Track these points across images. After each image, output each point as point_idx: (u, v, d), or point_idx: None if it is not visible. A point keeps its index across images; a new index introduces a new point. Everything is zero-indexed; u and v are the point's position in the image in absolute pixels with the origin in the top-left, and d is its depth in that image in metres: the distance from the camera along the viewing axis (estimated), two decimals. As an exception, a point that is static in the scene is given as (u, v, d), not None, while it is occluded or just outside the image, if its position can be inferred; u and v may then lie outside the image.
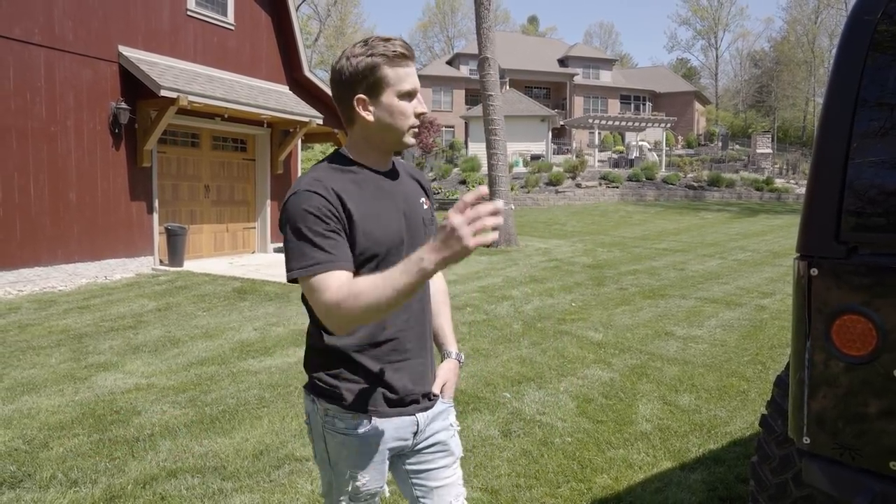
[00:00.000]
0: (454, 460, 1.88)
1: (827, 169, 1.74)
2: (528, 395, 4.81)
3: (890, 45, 1.68)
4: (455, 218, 1.30)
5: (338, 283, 1.49)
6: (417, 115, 1.70)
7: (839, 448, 1.71)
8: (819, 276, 1.72)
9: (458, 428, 1.94)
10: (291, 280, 1.57)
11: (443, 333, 1.98)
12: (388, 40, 1.66)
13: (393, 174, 1.79)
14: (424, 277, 1.37)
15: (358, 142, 1.73)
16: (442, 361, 1.94)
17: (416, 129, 1.72)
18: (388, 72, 1.63)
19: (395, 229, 1.69)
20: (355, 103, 1.66)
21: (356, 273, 1.59)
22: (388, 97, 1.65)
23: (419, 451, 1.83)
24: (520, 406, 4.60)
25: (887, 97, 1.68)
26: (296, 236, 1.55)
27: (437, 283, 2.02)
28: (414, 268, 1.36)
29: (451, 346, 1.97)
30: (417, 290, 1.41)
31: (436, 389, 1.84)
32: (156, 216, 11.24)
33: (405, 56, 1.65)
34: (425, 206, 1.84)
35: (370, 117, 1.66)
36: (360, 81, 1.64)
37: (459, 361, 1.96)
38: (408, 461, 1.84)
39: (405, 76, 1.66)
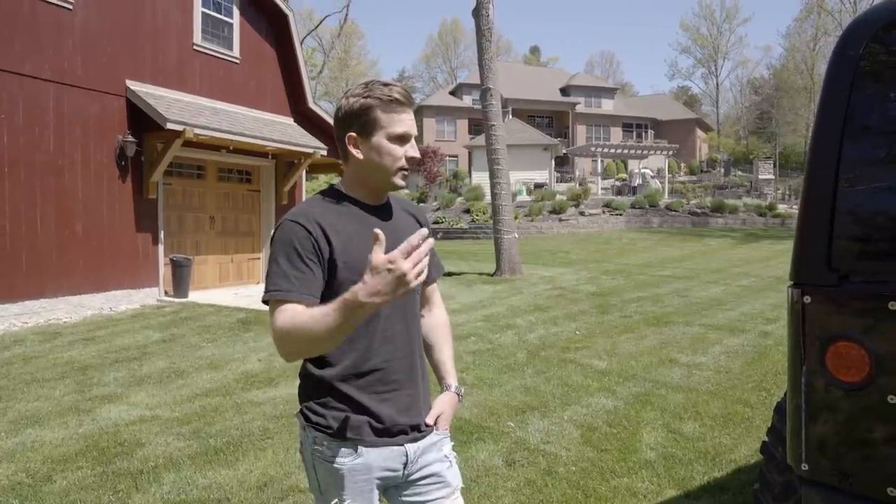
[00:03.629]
0: (451, 491, 1.87)
1: (817, 198, 1.78)
2: (532, 424, 4.80)
3: (873, 78, 1.73)
4: (404, 264, 1.37)
5: (290, 314, 1.57)
6: (408, 160, 1.76)
7: (837, 474, 1.72)
8: (812, 303, 1.75)
9: (455, 458, 1.93)
10: (264, 302, 1.66)
11: (444, 368, 2.01)
12: (387, 85, 1.74)
13: (385, 209, 1.84)
14: (360, 316, 1.44)
15: (351, 178, 1.82)
16: (441, 394, 1.96)
17: (406, 172, 1.77)
18: (381, 115, 1.72)
19: None
20: (347, 140, 1.75)
21: None
22: (379, 138, 1.73)
23: (413, 482, 1.83)
24: (524, 435, 4.59)
25: (873, 127, 1.73)
26: (272, 265, 1.68)
27: (438, 317, 2.06)
28: (349, 306, 1.42)
29: (451, 379, 1.99)
30: (353, 326, 1.48)
31: (429, 420, 1.85)
32: (161, 247, 11.31)
33: (400, 102, 1.74)
34: None
35: (360, 155, 1.75)
36: (353, 120, 1.74)
37: (458, 395, 1.97)
38: (403, 493, 1.84)
39: (398, 120, 1.73)
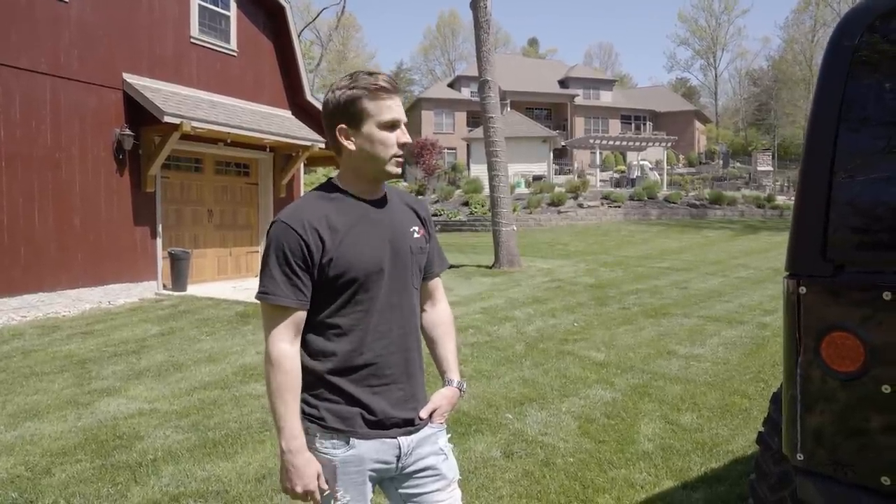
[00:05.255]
0: (447, 483, 1.88)
1: (812, 189, 1.78)
2: (530, 416, 4.82)
3: (868, 68, 1.73)
4: (306, 481, 1.68)
5: (289, 360, 1.69)
6: (401, 145, 1.77)
7: (832, 464, 1.73)
8: (807, 294, 1.75)
9: (451, 451, 1.94)
10: (257, 299, 1.75)
11: (446, 363, 2.01)
12: (371, 74, 1.76)
13: (382, 202, 1.84)
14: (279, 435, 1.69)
15: (346, 171, 1.83)
16: (441, 388, 1.96)
17: (400, 159, 1.78)
18: (369, 104, 1.73)
19: (373, 256, 1.75)
20: (338, 133, 1.76)
21: (337, 298, 1.73)
22: (369, 127, 1.74)
23: (409, 475, 1.84)
24: (522, 427, 4.60)
25: (869, 117, 1.73)
26: (266, 264, 1.73)
27: (441, 312, 2.05)
28: (282, 433, 1.68)
29: (453, 374, 2.00)
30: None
31: (423, 414, 1.85)
32: (159, 241, 11.31)
33: (386, 89, 1.74)
34: (416, 235, 1.88)
35: (352, 146, 1.76)
36: (342, 112, 1.75)
37: (460, 390, 1.98)
38: (401, 486, 1.85)
39: (386, 108, 1.74)
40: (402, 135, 1.77)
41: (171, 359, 6.73)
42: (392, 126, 1.75)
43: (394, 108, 1.75)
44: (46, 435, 4.58)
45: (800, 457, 1.78)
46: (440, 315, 2.05)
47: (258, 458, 4.10)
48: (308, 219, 1.71)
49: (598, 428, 4.56)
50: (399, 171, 1.81)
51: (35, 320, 9.02)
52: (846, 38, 1.74)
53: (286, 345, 1.70)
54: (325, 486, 1.72)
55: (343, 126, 1.76)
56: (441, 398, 1.92)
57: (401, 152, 1.78)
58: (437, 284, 2.05)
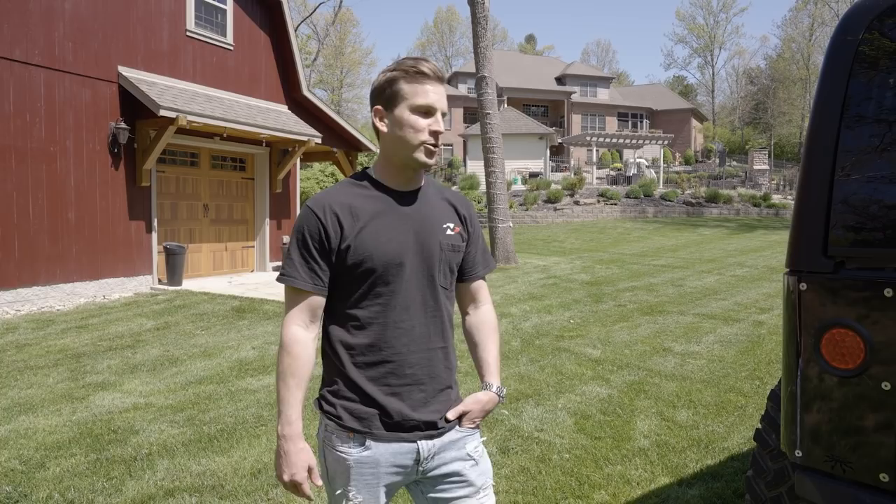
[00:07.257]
0: (475, 490, 1.80)
1: (814, 186, 1.77)
2: (526, 412, 4.81)
3: (871, 65, 1.72)
4: (293, 470, 1.66)
5: (301, 345, 1.69)
6: (432, 133, 1.70)
7: (831, 461, 1.72)
8: (808, 290, 1.75)
9: (483, 455, 1.85)
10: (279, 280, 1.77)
11: (486, 366, 1.94)
12: (415, 59, 1.72)
13: (415, 194, 1.79)
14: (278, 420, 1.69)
15: (380, 158, 1.80)
16: (476, 392, 1.89)
17: (431, 148, 1.72)
18: (405, 86, 1.70)
19: (394, 248, 1.70)
20: (374, 114, 1.75)
21: (356, 288, 1.71)
22: (401, 110, 1.70)
23: (434, 479, 1.77)
24: (518, 423, 4.60)
25: (871, 114, 1.72)
26: (288, 248, 1.75)
27: (484, 315, 1.98)
28: (280, 417, 1.67)
29: (492, 378, 1.91)
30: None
31: (451, 415, 1.78)
32: (154, 235, 11.27)
33: (425, 74, 1.70)
34: (449, 232, 1.80)
35: (384, 128, 1.74)
36: (380, 94, 1.74)
37: (499, 396, 1.90)
38: (427, 490, 1.79)
39: (421, 92, 1.69)
40: (436, 123, 1.71)
41: (167, 353, 6.71)
42: (426, 112, 1.70)
43: (430, 93, 1.69)
44: (41, 429, 4.56)
45: (798, 453, 1.78)
46: (483, 317, 1.98)
47: (254, 452, 4.09)
48: (331, 204, 1.69)
49: (593, 424, 4.56)
50: (429, 160, 1.74)
51: (29, 314, 8.99)
52: (849, 34, 1.73)
53: (298, 328, 1.69)
54: (318, 482, 1.68)
55: (379, 107, 1.73)
56: (474, 402, 1.83)
57: (432, 140, 1.71)
58: (480, 286, 1.97)
